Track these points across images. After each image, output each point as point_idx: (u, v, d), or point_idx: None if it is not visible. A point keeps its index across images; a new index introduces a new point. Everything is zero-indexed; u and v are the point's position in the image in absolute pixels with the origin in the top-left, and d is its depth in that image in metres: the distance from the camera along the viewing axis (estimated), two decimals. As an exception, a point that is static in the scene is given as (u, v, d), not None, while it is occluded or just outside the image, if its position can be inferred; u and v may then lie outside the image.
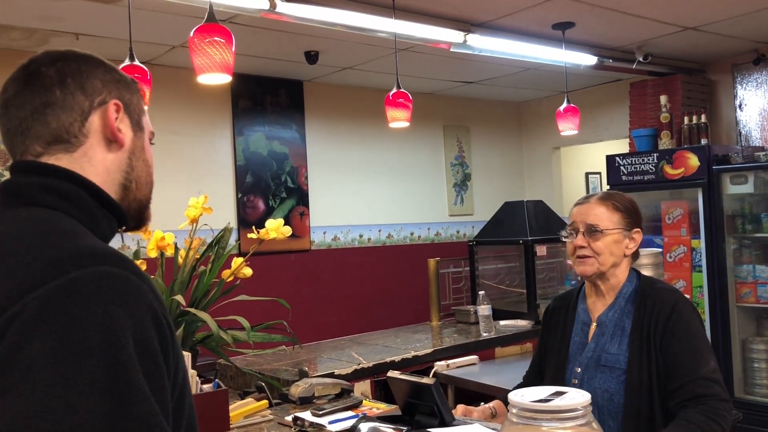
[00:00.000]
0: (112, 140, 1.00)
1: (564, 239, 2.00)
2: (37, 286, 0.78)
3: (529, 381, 2.20)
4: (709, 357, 1.79)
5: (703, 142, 4.70)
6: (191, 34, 2.48)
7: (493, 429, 1.85)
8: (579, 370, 1.91)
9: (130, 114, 1.03)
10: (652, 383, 1.79)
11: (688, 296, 3.46)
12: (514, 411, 1.24)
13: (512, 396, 1.27)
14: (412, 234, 5.93)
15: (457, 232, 6.24)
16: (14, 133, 0.97)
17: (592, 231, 1.91)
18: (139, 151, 1.04)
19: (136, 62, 2.75)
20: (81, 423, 0.73)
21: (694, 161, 4.52)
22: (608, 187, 5.02)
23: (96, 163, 0.98)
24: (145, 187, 1.06)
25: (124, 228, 1.04)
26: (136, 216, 1.06)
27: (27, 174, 0.94)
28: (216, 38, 2.45)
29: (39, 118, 0.95)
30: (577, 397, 1.23)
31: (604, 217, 1.92)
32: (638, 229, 1.96)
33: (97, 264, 0.82)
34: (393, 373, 2.00)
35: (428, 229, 6.05)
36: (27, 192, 0.93)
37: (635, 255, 1.99)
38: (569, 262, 2.18)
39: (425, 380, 1.89)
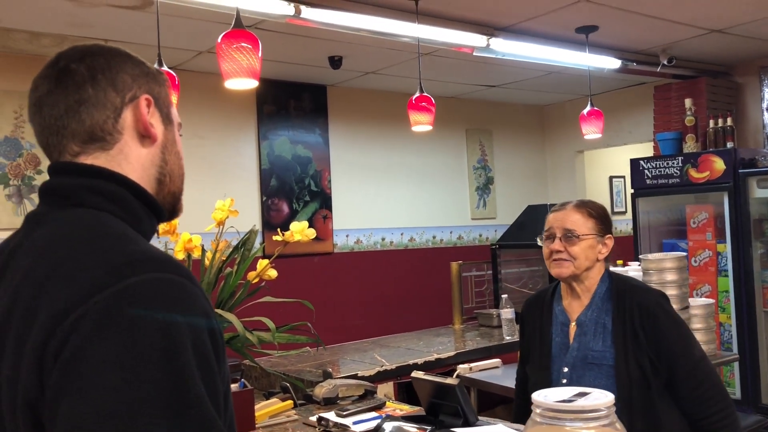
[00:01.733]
0: (145, 135, 1.00)
1: (541, 244, 2.07)
2: (97, 291, 0.80)
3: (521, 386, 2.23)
4: (692, 336, 1.95)
5: (729, 145, 4.65)
6: (219, 39, 2.53)
7: (516, 429, 1.87)
8: (566, 369, 1.95)
9: (160, 107, 1.03)
10: (644, 374, 1.84)
11: (713, 299, 3.43)
12: (538, 411, 1.25)
13: (536, 396, 1.28)
14: (434, 237, 5.94)
15: (480, 235, 6.23)
16: (50, 132, 0.97)
17: (569, 236, 2.00)
18: (170, 144, 1.04)
19: (164, 67, 2.82)
20: (145, 427, 0.74)
21: (719, 165, 4.48)
22: (632, 191, 5.00)
23: (132, 160, 0.98)
24: (178, 180, 1.06)
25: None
26: (170, 209, 1.07)
27: (71, 175, 0.95)
28: (243, 44, 2.49)
29: (74, 116, 0.95)
30: (600, 398, 1.24)
31: (580, 223, 2.01)
32: (610, 235, 2.06)
33: (155, 270, 0.83)
34: (417, 374, 2.02)
35: (450, 232, 6.05)
36: (74, 194, 0.94)
37: (606, 258, 2.08)
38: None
39: (449, 381, 1.90)
